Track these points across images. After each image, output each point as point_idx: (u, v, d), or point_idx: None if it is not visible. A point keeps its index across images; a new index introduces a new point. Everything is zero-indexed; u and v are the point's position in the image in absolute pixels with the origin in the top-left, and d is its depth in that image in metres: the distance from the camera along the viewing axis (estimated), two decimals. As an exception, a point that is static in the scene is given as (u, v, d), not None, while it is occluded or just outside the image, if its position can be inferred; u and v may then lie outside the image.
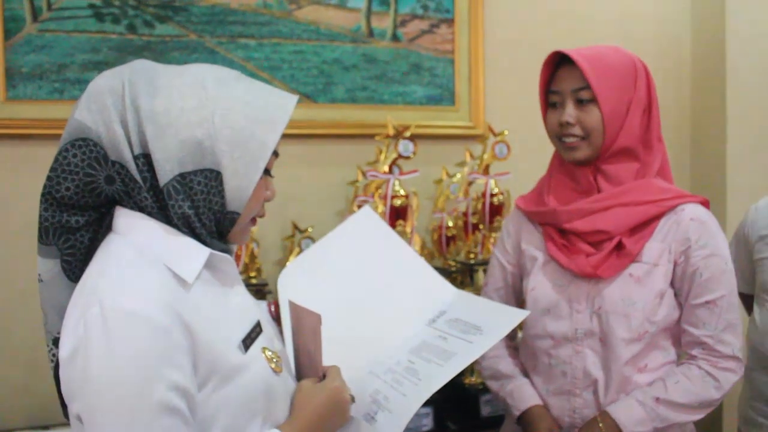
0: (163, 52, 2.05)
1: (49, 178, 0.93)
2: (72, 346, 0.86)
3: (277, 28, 2.17)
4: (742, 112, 2.60)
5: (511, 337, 1.59)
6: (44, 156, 1.93)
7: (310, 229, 2.13)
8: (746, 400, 1.93)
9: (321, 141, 2.25)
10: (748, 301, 2.00)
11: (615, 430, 1.33)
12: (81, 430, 0.88)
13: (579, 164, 1.42)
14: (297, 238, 2.14)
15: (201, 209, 0.95)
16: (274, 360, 1.02)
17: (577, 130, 1.38)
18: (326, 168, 2.26)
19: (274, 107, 0.98)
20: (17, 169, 1.96)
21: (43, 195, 0.95)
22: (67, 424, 1.89)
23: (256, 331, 1.01)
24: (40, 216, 0.95)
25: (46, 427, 1.91)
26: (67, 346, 0.86)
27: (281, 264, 2.19)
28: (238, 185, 0.95)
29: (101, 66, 1.99)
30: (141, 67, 0.96)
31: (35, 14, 1.94)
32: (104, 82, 0.94)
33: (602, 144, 1.38)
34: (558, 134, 1.41)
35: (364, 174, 2.15)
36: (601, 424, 1.34)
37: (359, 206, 2.15)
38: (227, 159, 0.94)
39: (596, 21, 2.60)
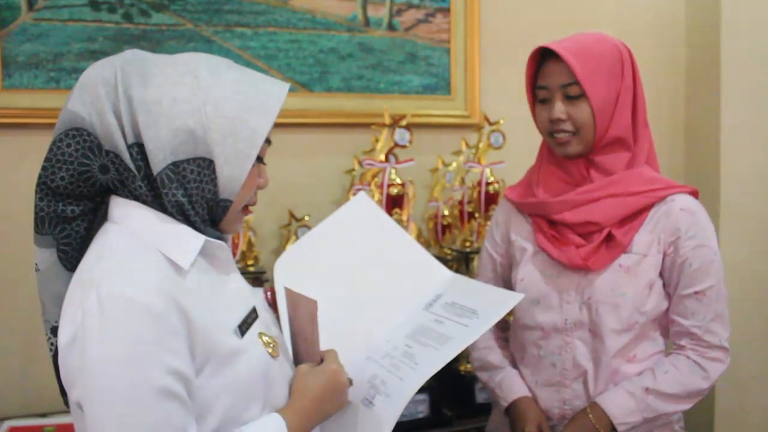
0: (159, 42, 2.05)
1: (43, 168, 0.94)
2: (70, 333, 0.87)
3: (273, 17, 2.17)
4: (737, 101, 2.61)
5: (503, 328, 1.60)
6: (40, 145, 1.92)
7: (306, 218, 2.14)
8: None
9: (317, 130, 2.26)
10: None
11: (605, 421, 1.34)
12: (81, 417, 0.89)
13: (571, 158, 1.42)
14: (293, 227, 2.15)
15: (194, 197, 0.96)
16: (271, 345, 1.04)
17: (568, 126, 1.37)
18: (322, 157, 2.26)
19: (266, 95, 0.99)
20: (13, 159, 1.96)
21: (38, 185, 0.95)
22: (65, 411, 1.92)
23: (252, 316, 1.03)
24: (36, 206, 0.96)
25: (44, 415, 1.92)
26: (65, 334, 0.88)
27: (278, 252, 2.20)
28: (231, 173, 0.96)
29: (97, 55, 1.98)
30: (133, 57, 0.97)
31: (31, 3, 1.93)
32: (96, 73, 0.94)
33: (594, 137, 1.38)
34: (549, 130, 1.41)
35: (360, 163, 2.16)
36: (591, 415, 1.35)
37: (355, 195, 2.16)
38: (219, 147, 0.94)
39: (592, 9, 2.61)
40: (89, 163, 0.94)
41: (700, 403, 2.59)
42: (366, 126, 2.18)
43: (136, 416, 0.84)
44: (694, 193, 1.44)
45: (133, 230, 0.94)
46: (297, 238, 2.14)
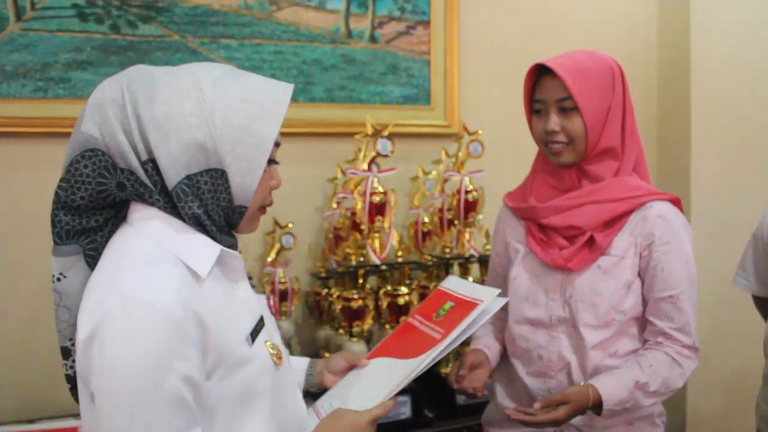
0: (146, 52, 2.09)
1: (62, 188, 0.98)
2: (90, 329, 0.90)
3: (257, 29, 2.22)
4: (706, 114, 2.71)
5: (501, 328, 1.67)
6: (27, 154, 1.97)
7: (290, 225, 2.19)
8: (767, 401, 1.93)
9: (300, 139, 2.30)
10: (765, 305, 2.02)
11: (597, 402, 1.39)
12: (92, 410, 0.92)
13: (564, 166, 1.50)
14: (278, 234, 2.19)
15: (210, 207, 0.99)
16: (275, 353, 1.08)
17: (561, 137, 1.45)
18: (306, 165, 2.30)
19: (270, 101, 1.01)
20: (1, 167, 1.98)
21: (57, 203, 0.99)
22: (52, 417, 1.94)
23: (260, 324, 1.07)
24: (60, 221, 0.99)
25: (32, 421, 1.94)
26: (84, 330, 0.91)
27: (263, 258, 2.24)
28: (243, 181, 0.99)
29: (85, 65, 2.02)
30: (137, 74, 0.99)
31: (19, 14, 1.96)
32: (104, 94, 0.97)
33: (586, 147, 1.46)
34: (544, 140, 1.49)
35: (343, 171, 2.21)
36: (590, 391, 1.40)
37: (338, 203, 2.21)
38: (230, 157, 0.98)
39: (568, 25, 2.69)
40: (106, 182, 0.97)
41: (673, 404, 2.67)
42: (348, 135, 2.23)
43: (146, 416, 0.87)
44: (675, 201, 1.52)
45: (153, 235, 0.97)
46: (281, 245, 2.18)
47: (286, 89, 1.04)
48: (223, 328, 0.98)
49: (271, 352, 1.07)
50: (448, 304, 1.38)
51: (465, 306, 1.33)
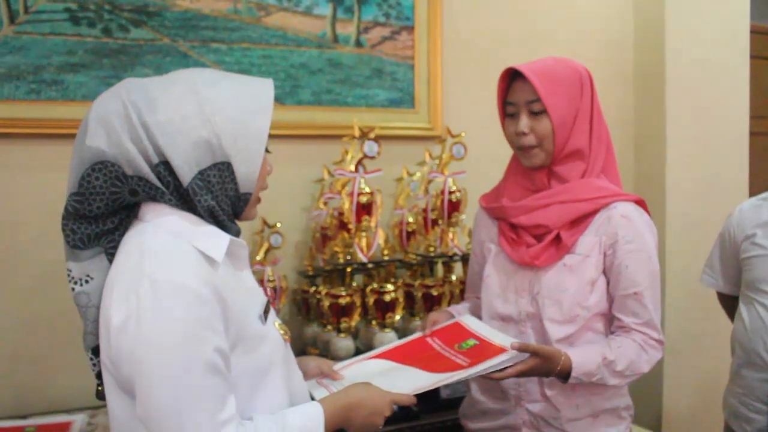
0: (137, 56, 2.13)
1: (77, 202, 1.05)
2: (124, 315, 0.97)
3: (246, 33, 2.27)
4: (680, 116, 2.80)
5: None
6: (20, 154, 2.00)
7: (278, 225, 2.24)
8: (736, 396, 1.98)
9: (288, 141, 2.34)
10: (730, 302, 2.08)
11: (566, 369, 1.45)
12: (120, 396, 1.00)
13: (535, 167, 1.57)
14: (266, 233, 2.24)
15: (220, 198, 1.07)
16: (284, 332, 1.18)
17: (531, 139, 1.52)
18: (293, 167, 2.35)
19: (259, 95, 1.10)
20: (-6, 167, 2.01)
21: (72, 215, 1.06)
22: (44, 413, 1.97)
23: (268, 306, 1.16)
24: (76, 229, 1.06)
25: (24, 416, 1.97)
26: (118, 316, 0.98)
27: (251, 257, 2.28)
28: (246, 170, 1.08)
29: (77, 68, 2.06)
30: (134, 85, 1.06)
31: (12, 17, 1.99)
32: (105, 107, 1.04)
33: (554, 149, 1.53)
34: (516, 143, 1.56)
35: (330, 172, 2.26)
36: (563, 357, 1.46)
37: (326, 203, 2.27)
38: (233, 150, 1.06)
39: (547, 30, 2.77)
40: (118, 191, 1.05)
41: (649, 400, 2.75)
42: (334, 137, 2.29)
43: (189, 387, 0.95)
44: (640, 202, 1.58)
45: (167, 227, 1.04)
46: (269, 244, 2.23)
47: (267, 84, 1.13)
48: (241, 308, 1.06)
49: (281, 331, 1.17)
50: (472, 341, 1.48)
51: (491, 348, 1.42)
